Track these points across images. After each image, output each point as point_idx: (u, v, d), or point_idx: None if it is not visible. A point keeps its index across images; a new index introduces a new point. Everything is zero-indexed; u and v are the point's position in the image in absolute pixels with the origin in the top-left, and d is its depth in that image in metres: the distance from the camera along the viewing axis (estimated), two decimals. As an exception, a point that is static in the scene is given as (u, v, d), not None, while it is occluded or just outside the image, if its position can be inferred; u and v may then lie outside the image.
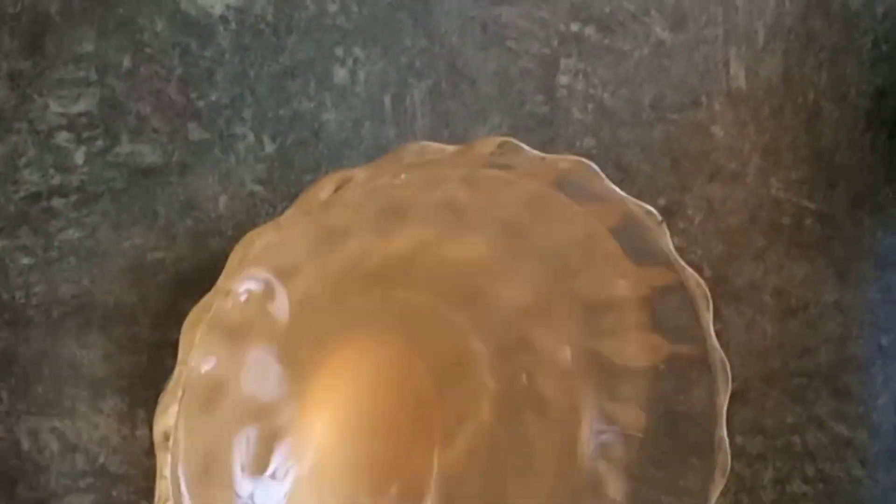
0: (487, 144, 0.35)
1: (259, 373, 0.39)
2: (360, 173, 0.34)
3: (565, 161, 0.36)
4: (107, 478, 0.40)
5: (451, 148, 0.35)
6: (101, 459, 0.40)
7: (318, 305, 0.39)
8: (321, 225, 0.37)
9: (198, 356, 0.37)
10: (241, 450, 0.39)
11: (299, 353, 0.39)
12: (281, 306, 0.38)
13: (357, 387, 0.41)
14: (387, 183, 0.37)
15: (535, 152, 0.36)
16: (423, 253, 0.40)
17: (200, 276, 0.41)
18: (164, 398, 0.34)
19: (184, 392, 0.35)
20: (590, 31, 0.44)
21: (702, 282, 0.38)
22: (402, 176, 0.37)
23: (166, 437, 0.34)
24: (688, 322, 0.39)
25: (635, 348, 0.40)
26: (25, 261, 0.39)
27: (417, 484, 0.41)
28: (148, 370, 0.41)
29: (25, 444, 0.40)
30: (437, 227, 0.40)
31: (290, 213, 0.34)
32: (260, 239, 0.34)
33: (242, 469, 0.39)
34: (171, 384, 0.34)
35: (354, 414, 0.41)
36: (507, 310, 0.41)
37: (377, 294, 0.40)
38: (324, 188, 0.34)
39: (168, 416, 0.34)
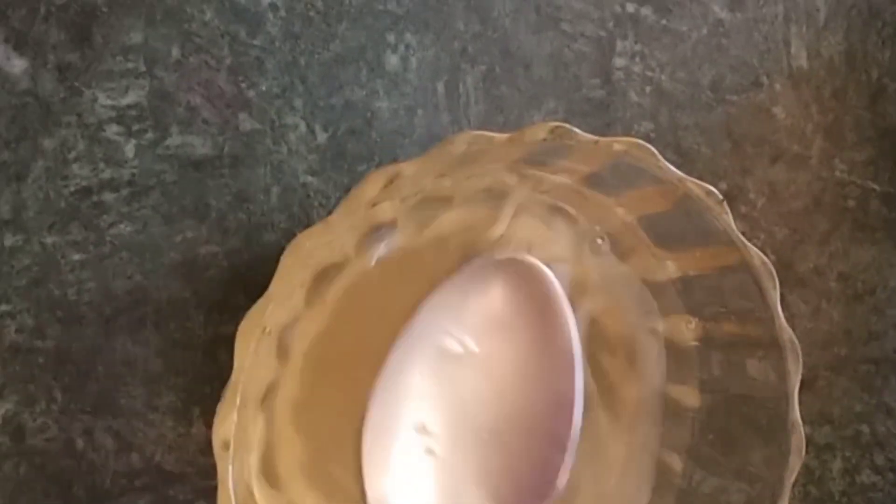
0: (539, 130, 0.34)
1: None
2: (408, 167, 0.34)
3: (620, 143, 0.35)
4: (163, 477, 0.40)
5: (501, 136, 0.34)
6: (157, 458, 0.40)
7: (362, 299, 0.38)
8: (368, 219, 0.36)
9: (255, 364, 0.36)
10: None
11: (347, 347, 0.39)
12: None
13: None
14: (434, 178, 0.36)
15: (588, 136, 0.35)
16: (464, 232, 0.39)
17: (254, 270, 0.40)
18: (222, 408, 0.33)
19: (241, 401, 0.34)
20: (646, 11, 0.43)
21: (766, 260, 0.36)
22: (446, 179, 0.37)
23: (226, 447, 0.33)
24: (754, 303, 0.38)
25: (687, 329, 0.39)
26: (77, 257, 0.39)
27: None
28: (203, 366, 0.40)
29: (80, 444, 0.39)
30: (482, 209, 0.39)
31: (339, 211, 0.33)
32: (310, 241, 0.33)
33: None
34: (227, 393, 0.33)
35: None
36: (563, 284, 0.40)
37: (421, 282, 0.39)
38: (373, 184, 0.34)
39: (227, 426, 0.33)
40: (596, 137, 0.35)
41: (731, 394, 0.39)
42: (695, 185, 0.36)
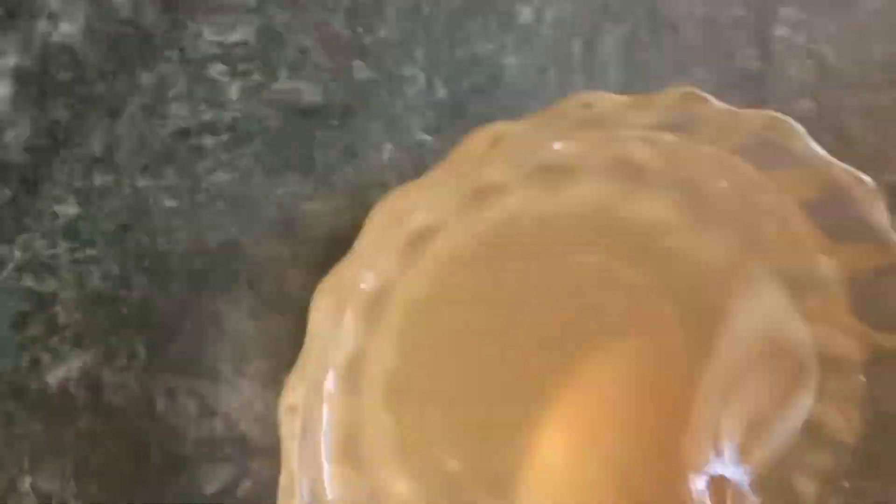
0: (669, 95, 0.30)
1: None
2: (516, 127, 0.30)
3: (760, 116, 0.31)
4: (246, 448, 0.37)
5: (623, 98, 0.30)
6: (242, 427, 0.37)
7: (468, 267, 0.35)
8: (473, 181, 0.33)
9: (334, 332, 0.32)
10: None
11: (444, 322, 0.35)
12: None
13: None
14: (549, 141, 0.32)
15: (724, 105, 0.31)
16: (594, 212, 0.35)
17: (358, 232, 0.36)
18: (292, 378, 0.30)
19: (320, 373, 0.31)
20: (815, -25, 0.39)
21: None
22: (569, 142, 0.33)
23: (293, 410, 0.30)
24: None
25: (845, 338, 0.35)
26: (170, 203, 0.36)
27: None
28: (296, 331, 0.36)
29: (161, 405, 0.36)
30: (612, 184, 0.35)
31: (437, 170, 0.30)
32: (403, 200, 0.30)
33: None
34: (300, 360, 0.30)
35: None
36: (699, 274, 0.36)
37: (540, 258, 0.35)
38: (475, 143, 0.30)
39: (295, 395, 0.30)
40: (733, 108, 0.31)
41: (881, 412, 0.35)
42: (843, 172, 0.32)
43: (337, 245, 0.36)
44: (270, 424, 0.37)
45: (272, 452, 0.36)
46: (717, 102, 0.30)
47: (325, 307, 0.30)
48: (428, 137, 0.37)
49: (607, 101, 0.30)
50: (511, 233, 0.35)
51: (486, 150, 0.31)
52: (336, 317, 0.32)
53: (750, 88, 0.39)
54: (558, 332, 0.36)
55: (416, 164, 0.37)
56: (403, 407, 0.35)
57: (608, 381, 0.36)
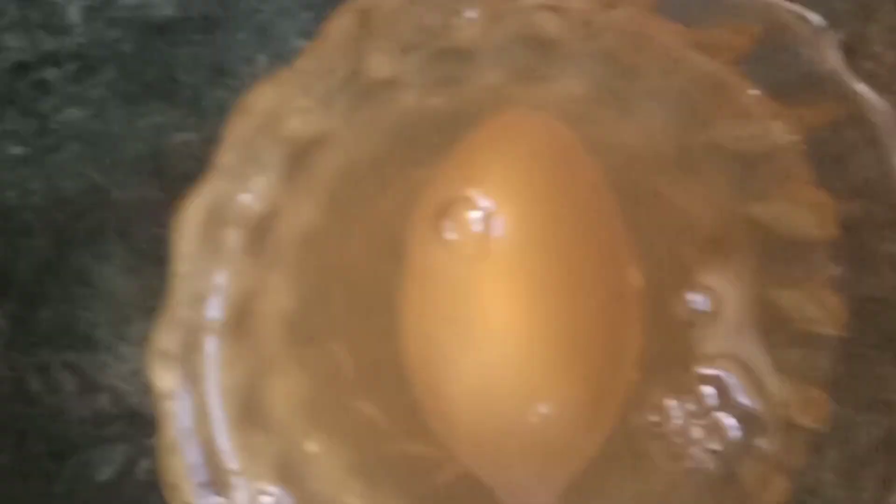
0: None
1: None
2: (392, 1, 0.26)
3: None
4: (139, 423, 0.32)
5: None
6: (132, 400, 0.32)
7: (363, 185, 0.30)
8: (356, 75, 0.28)
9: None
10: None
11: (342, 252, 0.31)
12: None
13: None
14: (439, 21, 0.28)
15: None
16: (505, 103, 0.31)
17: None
18: (164, 319, 0.25)
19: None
20: None
21: (886, 107, 0.28)
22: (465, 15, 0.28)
23: (166, 357, 0.25)
24: (876, 171, 0.29)
25: (808, 213, 0.30)
26: (16, 151, 0.32)
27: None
28: (181, 283, 0.32)
29: (34, 385, 0.32)
30: (521, 65, 0.30)
31: (301, 60, 0.26)
32: (261, 100, 0.26)
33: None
34: (170, 298, 0.25)
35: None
36: (639, 163, 0.31)
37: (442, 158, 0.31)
38: (341, 23, 0.26)
39: (169, 339, 0.25)
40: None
41: (857, 297, 0.31)
42: (783, 12, 0.28)
43: (216, 178, 0.32)
44: (166, 393, 0.32)
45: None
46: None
47: (189, 238, 0.26)
48: (305, 43, 0.33)
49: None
50: (409, 137, 0.31)
51: (359, 30, 0.26)
52: (211, 245, 0.28)
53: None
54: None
55: (298, 77, 0.33)
56: (307, 352, 0.31)
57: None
